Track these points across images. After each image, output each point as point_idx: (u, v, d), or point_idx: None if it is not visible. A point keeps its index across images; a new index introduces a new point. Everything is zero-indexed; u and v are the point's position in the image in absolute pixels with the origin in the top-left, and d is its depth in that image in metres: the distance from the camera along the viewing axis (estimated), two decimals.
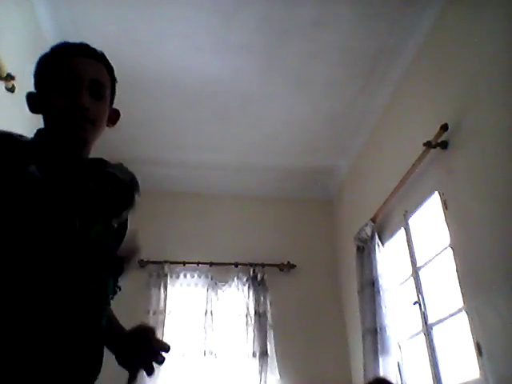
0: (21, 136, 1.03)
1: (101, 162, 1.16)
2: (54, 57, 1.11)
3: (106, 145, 4.04)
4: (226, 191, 4.42)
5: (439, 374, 2.61)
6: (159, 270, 3.95)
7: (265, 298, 3.91)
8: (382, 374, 2.94)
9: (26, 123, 2.72)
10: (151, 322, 3.72)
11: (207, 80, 3.32)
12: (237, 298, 3.96)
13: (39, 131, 1.09)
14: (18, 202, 0.91)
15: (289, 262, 4.15)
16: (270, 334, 3.78)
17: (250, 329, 3.79)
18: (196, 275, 4.02)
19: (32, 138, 1.07)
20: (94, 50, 1.15)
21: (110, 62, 1.17)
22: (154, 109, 3.61)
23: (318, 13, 2.82)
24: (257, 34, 2.97)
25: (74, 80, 1.05)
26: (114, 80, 1.17)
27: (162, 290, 3.86)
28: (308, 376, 3.75)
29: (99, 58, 1.14)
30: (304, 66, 3.21)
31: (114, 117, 1.21)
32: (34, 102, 1.09)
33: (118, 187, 1.13)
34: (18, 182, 0.93)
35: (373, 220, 3.37)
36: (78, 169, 1.06)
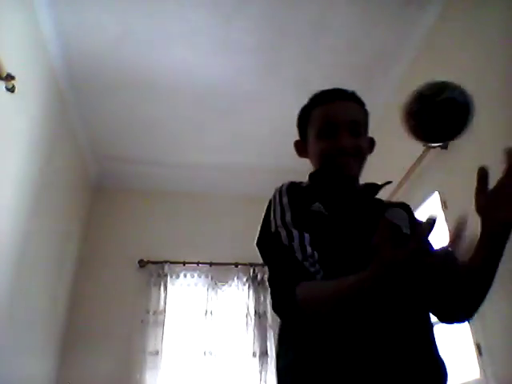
0: (301, 182, 1.19)
1: (373, 188, 1.29)
2: (313, 108, 1.23)
3: (107, 145, 4.06)
4: (226, 191, 4.42)
5: None
6: (159, 270, 3.95)
7: (265, 298, 3.92)
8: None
9: (25, 123, 2.73)
10: (151, 322, 3.72)
11: (207, 80, 3.32)
12: (237, 298, 3.96)
13: (311, 175, 1.23)
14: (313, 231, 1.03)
15: None
16: (270, 334, 3.78)
17: (250, 329, 3.79)
18: (196, 275, 4.02)
19: (308, 182, 1.22)
20: (345, 91, 1.23)
21: (360, 99, 1.26)
22: (154, 109, 3.61)
23: (317, 13, 2.82)
24: (257, 34, 2.97)
25: (332, 125, 1.17)
26: (367, 113, 1.27)
27: (162, 290, 3.86)
28: None
29: (352, 97, 1.23)
30: (304, 66, 3.21)
31: (370, 144, 1.32)
32: (301, 149, 1.28)
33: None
34: (307, 219, 1.06)
35: None
36: (355, 200, 1.17)
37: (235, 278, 4.02)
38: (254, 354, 3.68)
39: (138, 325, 3.72)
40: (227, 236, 4.22)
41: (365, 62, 3.20)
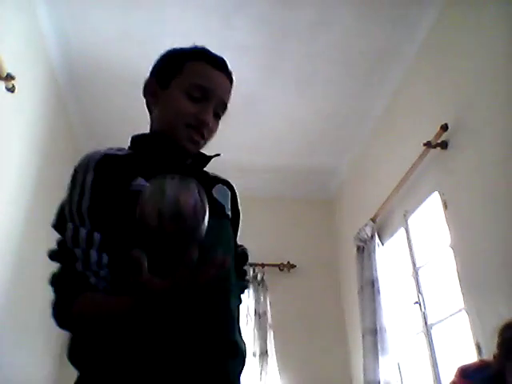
0: (119, 150, 1.01)
1: (202, 160, 1.12)
2: (195, 60, 1.08)
3: (107, 145, 4.05)
4: None
5: (439, 374, 2.61)
6: None
7: (265, 298, 3.91)
8: (380, 376, 2.94)
9: (25, 123, 2.73)
10: None
11: None
12: None
13: (140, 139, 1.08)
14: (129, 218, 0.83)
15: (289, 262, 4.15)
16: (270, 334, 3.78)
17: (250, 329, 3.79)
18: None
19: (131, 147, 1.06)
20: (228, 67, 1.11)
21: (233, 81, 1.14)
22: None
23: (317, 13, 2.82)
24: (257, 34, 2.97)
25: (208, 93, 1.04)
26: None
27: None
28: (308, 376, 3.75)
29: (231, 77, 1.11)
30: (304, 66, 3.21)
31: None
32: (152, 92, 1.08)
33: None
34: (125, 198, 0.90)
35: (373, 220, 3.37)
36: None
37: None
38: (254, 354, 3.68)
39: None
40: None
41: (364, 62, 3.20)
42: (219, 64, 1.08)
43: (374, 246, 3.28)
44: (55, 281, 0.92)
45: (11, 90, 2.30)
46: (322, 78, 3.30)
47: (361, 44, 3.05)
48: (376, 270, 3.20)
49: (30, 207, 2.84)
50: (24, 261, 2.79)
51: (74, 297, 0.85)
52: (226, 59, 1.11)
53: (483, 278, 2.25)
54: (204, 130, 1.04)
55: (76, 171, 0.95)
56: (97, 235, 0.88)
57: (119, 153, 1.00)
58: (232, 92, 1.12)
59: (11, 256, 2.62)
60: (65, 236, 0.90)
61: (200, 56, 1.09)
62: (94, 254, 0.87)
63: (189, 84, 1.04)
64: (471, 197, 2.39)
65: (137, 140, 1.09)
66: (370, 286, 3.22)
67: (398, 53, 3.10)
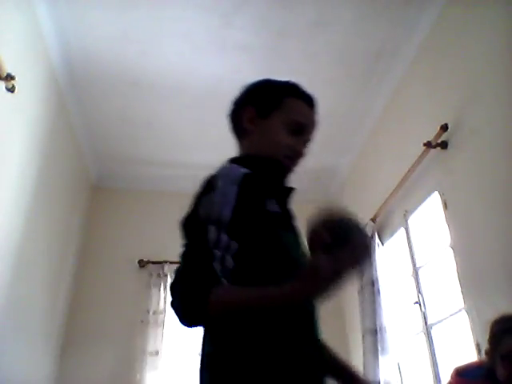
0: (255, 171, 1.09)
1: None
2: (293, 96, 1.22)
3: (107, 144, 4.06)
4: None
5: (439, 374, 2.61)
6: (159, 270, 3.95)
7: None
8: (380, 376, 2.94)
9: (25, 123, 2.73)
10: (151, 322, 3.72)
11: (207, 80, 3.32)
12: None
13: (250, 160, 1.16)
14: (269, 236, 1.02)
15: None
16: None
17: None
18: None
19: (252, 169, 1.11)
20: (316, 104, 1.26)
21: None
22: (154, 109, 3.61)
23: (317, 13, 2.82)
24: (257, 34, 2.97)
25: (304, 128, 1.19)
26: None
27: (162, 290, 3.86)
28: None
29: (317, 113, 1.26)
30: (304, 65, 3.21)
31: None
32: (252, 121, 1.22)
33: None
34: (263, 217, 1.03)
35: (373, 220, 3.37)
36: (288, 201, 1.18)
37: None
38: None
39: (138, 325, 3.72)
40: None
41: (364, 62, 3.20)
42: (313, 102, 1.24)
43: (374, 246, 3.28)
44: (188, 275, 0.93)
45: (11, 90, 2.30)
46: (321, 77, 3.30)
47: (360, 44, 3.05)
48: (376, 270, 3.20)
49: (30, 207, 2.84)
50: (24, 261, 2.79)
51: (210, 291, 0.88)
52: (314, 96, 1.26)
53: (483, 277, 2.25)
54: (299, 160, 1.19)
55: (217, 179, 1.04)
56: (234, 244, 0.95)
57: (255, 172, 1.11)
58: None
59: (11, 256, 2.62)
60: (206, 236, 0.95)
61: (297, 94, 1.23)
62: (229, 260, 0.93)
63: (289, 119, 1.18)
64: (471, 197, 2.39)
65: (247, 161, 1.14)
66: (369, 286, 3.22)
67: (397, 53, 3.10)
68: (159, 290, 3.86)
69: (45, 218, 3.13)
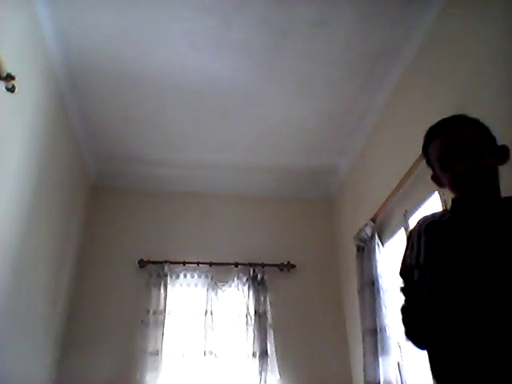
0: (443, 215, 1.34)
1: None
2: (426, 145, 1.36)
3: (106, 144, 4.06)
4: (226, 191, 4.42)
5: None
6: (159, 270, 3.95)
7: (265, 298, 3.91)
8: (380, 376, 2.94)
9: (25, 123, 2.73)
10: (151, 322, 3.72)
11: (207, 80, 3.32)
12: (237, 298, 3.96)
13: (454, 201, 1.34)
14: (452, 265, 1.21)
15: (289, 262, 4.15)
16: (270, 334, 3.78)
17: (250, 329, 3.79)
18: (196, 275, 4.02)
19: (450, 211, 1.34)
20: (450, 121, 1.33)
21: (469, 121, 1.37)
22: (154, 109, 3.61)
23: (317, 13, 2.82)
24: (257, 34, 2.97)
25: (446, 157, 1.28)
26: (481, 131, 1.35)
27: (162, 290, 3.86)
28: (308, 376, 3.76)
29: (457, 124, 1.32)
30: (304, 65, 3.21)
31: (503, 153, 1.37)
32: (438, 181, 1.38)
33: None
34: (452, 253, 1.22)
35: (373, 220, 3.37)
36: (492, 226, 1.24)
37: (235, 278, 4.01)
38: (254, 354, 3.68)
39: (138, 325, 3.72)
40: (227, 236, 4.23)
41: (364, 63, 3.20)
42: (437, 132, 1.33)
43: (374, 246, 3.28)
44: (408, 312, 1.35)
45: (11, 90, 2.30)
46: (321, 77, 3.30)
47: (360, 44, 3.05)
48: (376, 270, 3.20)
49: (29, 207, 2.84)
50: (24, 261, 2.79)
51: (425, 320, 1.24)
52: (447, 118, 1.35)
53: None
54: (471, 176, 1.24)
55: (411, 234, 1.39)
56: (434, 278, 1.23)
57: (443, 218, 1.33)
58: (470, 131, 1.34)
59: (11, 256, 2.62)
60: (412, 279, 1.31)
61: (428, 140, 1.35)
62: (432, 290, 1.24)
63: (437, 164, 1.33)
64: None
65: (454, 201, 1.34)
66: (370, 286, 3.22)
67: (397, 53, 3.10)
68: (159, 290, 3.85)
69: (45, 218, 3.13)
